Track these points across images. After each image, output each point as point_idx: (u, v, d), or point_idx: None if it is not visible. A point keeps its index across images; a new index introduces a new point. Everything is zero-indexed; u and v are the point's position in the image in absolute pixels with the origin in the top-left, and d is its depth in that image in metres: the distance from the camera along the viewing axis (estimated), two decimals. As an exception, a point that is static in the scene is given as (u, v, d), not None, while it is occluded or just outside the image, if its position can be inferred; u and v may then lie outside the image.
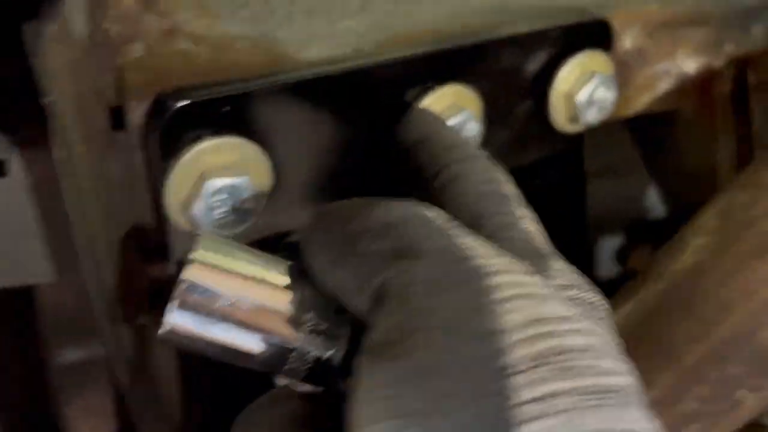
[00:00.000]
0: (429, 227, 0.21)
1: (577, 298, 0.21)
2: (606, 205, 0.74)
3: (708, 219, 0.36)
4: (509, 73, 0.41)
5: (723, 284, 0.33)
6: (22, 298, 0.63)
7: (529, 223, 0.25)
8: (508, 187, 0.27)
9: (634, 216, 0.63)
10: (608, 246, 0.65)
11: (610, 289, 0.61)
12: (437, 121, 0.34)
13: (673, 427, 0.34)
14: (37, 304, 0.64)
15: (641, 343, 0.34)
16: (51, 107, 0.25)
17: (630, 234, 0.58)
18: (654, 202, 0.60)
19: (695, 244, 0.35)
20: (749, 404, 0.34)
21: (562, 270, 0.22)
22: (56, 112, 0.25)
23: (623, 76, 0.50)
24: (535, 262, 0.22)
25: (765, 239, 0.32)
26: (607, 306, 0.22)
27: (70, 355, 0.66)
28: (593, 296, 0.22)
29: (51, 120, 0.25)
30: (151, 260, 0.37)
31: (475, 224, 0.24)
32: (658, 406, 0.34)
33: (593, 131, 0.47)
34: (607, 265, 0.65)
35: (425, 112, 0.35)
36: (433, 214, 0.22)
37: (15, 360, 0.66)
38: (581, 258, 0.49)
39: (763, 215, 0.33)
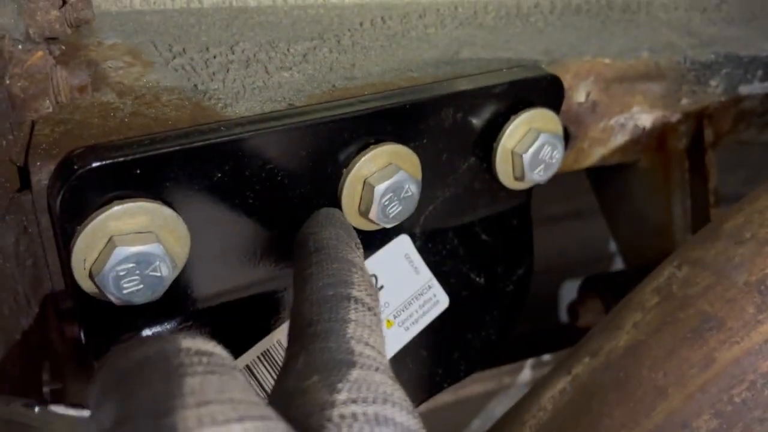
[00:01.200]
0: (161, 374, 0.21)
1: (352, 415, 0.21)
2: (568, 249, 0.73)
3: (646, 295, 0.34)
4: (451, 129, 0.40)
5: (658, 367, 0.31)
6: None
7: (352, 329, 0.26)
8: (354, 289, 0.28)
9: (591, 264, 0.62)
10: (562, 296, 0.64)
11: (570, 340, 0.59)
12: (328, 219, 0.35)
13: None
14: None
15: (577, 426, 0.33)
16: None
17: (583, 287, 0.57)
18: (611, 247, 0.59)
19: (632, 321, 0.33)
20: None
21: (356, 381, 0.23)
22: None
23: (577, 129, 0.49)
24: (330, 374, 0.23)
25: (701, 321, 0.31)
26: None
27: None
28: (378, 409, 0.22)
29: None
30: (69, 322, 0.35)
31: (305, 329, 0.26)
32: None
33: (559, 177, 0.45)
34: (562, 315, 0.64)
35: (324, 212, 0.36)
36: (187, 345, 0.22)
37: None
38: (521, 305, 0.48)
39: (699, 295, 0.31)
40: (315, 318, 0.27)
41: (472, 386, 0.60)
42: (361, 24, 0.47)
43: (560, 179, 0.47)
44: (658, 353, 0.32)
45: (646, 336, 0.32)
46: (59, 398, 0.38)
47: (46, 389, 0.33)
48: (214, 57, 0.41)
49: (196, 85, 0.38)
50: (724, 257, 0.32)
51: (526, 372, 0.64)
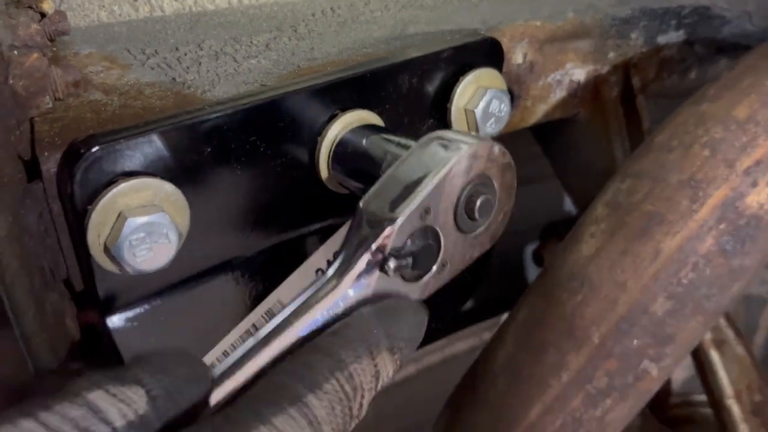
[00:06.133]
0: None
1: None
2: (526, 212, 0.78)
3: (598, 209, 0.39)
4: (408, 94, 0.44)
5: (615, 266, 0.36)
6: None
7: None
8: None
9: (549, 220, 0.67)
10: (529, 251, 0.68)
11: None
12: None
13: (587, 404, 0.37)
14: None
15: (551, 330, 0.37)
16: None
17: (543, 234, 0.62)
18: (566, 205, 0.64)
19: (589, 233, 0.38)
20: (654, 374, 0.36)
21: None
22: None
23: (519, 88, 0.54)
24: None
25: (646, 220, 0.36)
26: None
27: None
28: None
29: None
30: (80, 306, 0.38)
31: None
32: (573, 385, 0.37)
33: (510, 145, 0.50)
34: (531, 268, 0.68)
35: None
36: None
37: None
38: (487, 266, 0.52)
39: (642, 200, 0.36)
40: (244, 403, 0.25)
41: (456, 344, 0.64)
42: (313, 15, 0.51)
43: (511, 148, 0.52)
44: (615, 254, 0.36)
45: (602, 243, 0.37)
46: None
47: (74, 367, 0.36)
48: (185, 54, 0.44)
49: (174, 78, 0.41)
50: (659, 164, 0.37)
51: (504, 326, 0.68)
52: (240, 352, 0.30)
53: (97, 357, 0.45)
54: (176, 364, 0.25)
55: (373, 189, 0.35)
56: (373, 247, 0.32)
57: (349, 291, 0.32)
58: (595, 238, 0.38)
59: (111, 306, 0.37)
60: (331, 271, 0.33)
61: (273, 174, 0.40)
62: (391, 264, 0.33)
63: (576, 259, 0.38)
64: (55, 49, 0.38)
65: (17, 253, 0.29)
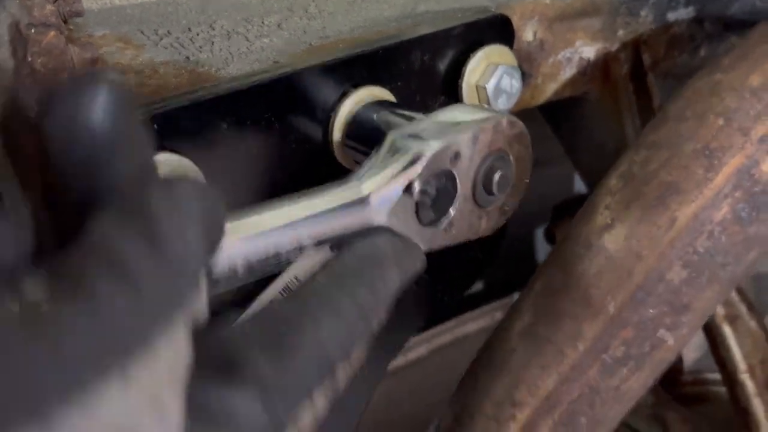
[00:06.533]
0: None
1: None
2: (536, 193, 0.78)
3: (612, 181, 0.39)
4: (420, 70, 0.44)
5: (631, 236, 0.36)
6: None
7: None
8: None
9: (560, 199, 0.67)
10: (541, 231, 0.69)
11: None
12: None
13: (603, 374, 0.37)
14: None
15: (568, 300, 0.37)
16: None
17: (555, 213, 0.62)
18: (577, 186, 0.64)
19: (603, 204, 0.38)
20: (670, 343, 0.37)
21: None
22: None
23: (529, 66, 0.54)
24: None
25: (662, 190, 0.36)
26: None
27: None
28: None
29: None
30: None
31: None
32: (589, 355, 0.37)
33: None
34: (543, 248, 0.68)
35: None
36: None
37: None
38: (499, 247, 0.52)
39: (658, 169, 0.36)
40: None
41: (468, 325, 0.64)
42: (323, -5, 0.51)
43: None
44: (630, 224, 0.36)
45: (617, 213, 0.37)
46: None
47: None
48: (198, 34, 0.45)
49: (187, 57, 0.42)
50: (673, 134, 0.37)
51: (516, 306, 0.68)
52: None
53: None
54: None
55: (405, 126, 0.35)
56: (401, 164, 0.32)
57: (369, 199, 0.32)
58: (609, 209, 0.38)
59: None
60: (360, 189, 0.32)
61: (287, 151, 0.40)
62: (417, 186, 0.32)
63: (591, 229, 0.38)
64: (69, 29, 0.39)
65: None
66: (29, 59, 0.33)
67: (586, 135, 0.62)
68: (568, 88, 0.57)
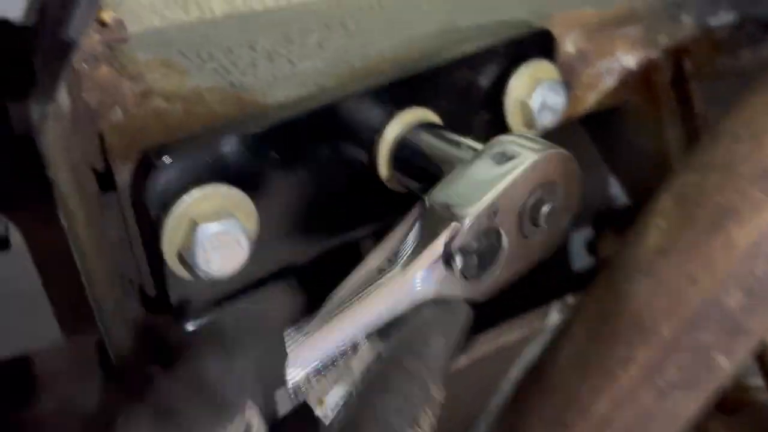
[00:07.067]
0: None
1: None
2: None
3: (664, 202, 0.38)
4: (464, 89, 0.44)
5: (686, 259, 0.36)
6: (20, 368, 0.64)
7: None
8: None
9: (600, 207, 0.66)
10: (579, 238, 0.68)
11: (587, 278, 0.64)
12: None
13: (657, 398, 0.37)
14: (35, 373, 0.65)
15: (620, 324, 0.37)
16: (53, 179, 0.26)
17: (596, 225, 0.61)
18: (616, 192, 0.63)
19: (655, 226, 0.38)
20: (725, 368, 0.36)
21: None
22: (57, 183, 0.27)
23: (570, 78, 0.54)
24: None
25: (717, 213, 0.35)
26: None
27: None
28: None
29: (54, 190, 0.27)
30: (152, 312, 0.39)
31: None
32: (643, 379, 0.37)
33: (552, 133, 0.50)
34: (580, 256, 0.68)
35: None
36: None
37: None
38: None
39: (712, 192, 0.36)
40: None
41: (507, 335, 0.64)
42: (359, 10, 0.51)
43: (559, 137, 0.52)
44: (684, 247, 0.36)
45: (670, 236, 0.37)
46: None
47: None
48: (240, 57, 0.44)
49: (232, 83, 0.42)
50: (728, 155, 0.36)
51: (554, 315, 0.68)
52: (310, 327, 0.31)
53: (163, 361, 0.46)
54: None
55: (440, 185, 0.35)
56: (441, 242, 0.32)
57: (413, 283, 0.32)
58: (661, 231, 0.37)
59: (182, 312, 0.38)
60: (395, 265, 0.33)
61: (334, 176, 0.40)
62: (458, 261, 0.33)
63: (643, 252, 0.38)
64: (116, 58, 0.39)
65: (105, 266, 0.30)
66: (83, 95, 0.33)
67: (624, 144, 0.61)
68: (609, 99, 0.57)
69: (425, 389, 0.28)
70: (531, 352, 0.67)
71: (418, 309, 0.32)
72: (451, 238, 0.32)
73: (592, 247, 0.62)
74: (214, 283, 0.37)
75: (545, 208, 0.35)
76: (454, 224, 0.32)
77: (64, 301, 0.33)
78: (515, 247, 0.35)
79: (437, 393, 0.28)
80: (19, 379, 0.50)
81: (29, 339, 0.34)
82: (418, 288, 0.32)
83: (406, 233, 0.33)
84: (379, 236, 0.46)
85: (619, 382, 0.36)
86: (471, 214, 0.32)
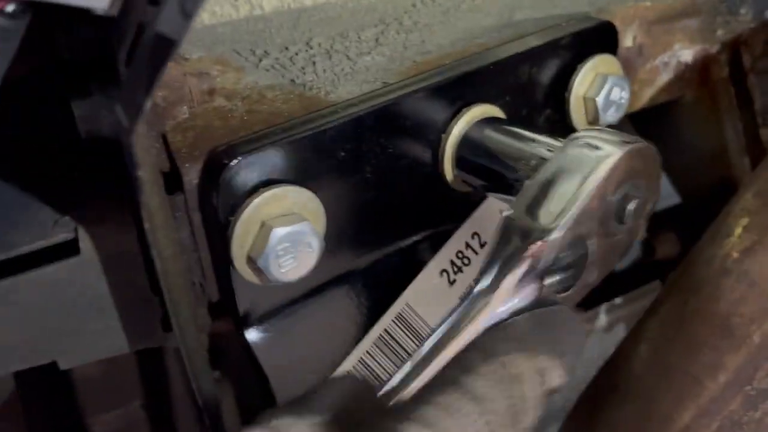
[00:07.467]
0: None
1: None
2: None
3: (749, 200, 0.37)
4: (527, 84, 0.43)
5: (776, 259, 0.34)
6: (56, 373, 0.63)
7: None
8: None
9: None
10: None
11: (642, 276, 0.62)
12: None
13: (746, 406, 0.35)
14: (70, 372, 0.65)
15: (705, 328, 0.35)
16: (139, 180, 0.25)
17: (651, 224, 0.60)
18: (669, 191, 0.62)
19: (740, 225, 0.36)
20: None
21: None
22: (142, 183, 0.25)
23: (628, 73, 0.52)
24: None
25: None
26: None
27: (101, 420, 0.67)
28: None
29: (138, 192, 0.25)
30: (214, 318, 0.38)
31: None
32: (731, 387, 0.35)
33: None
34: (632, 254, 0.66)
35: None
36: None
37: (50, 426, 0.66)
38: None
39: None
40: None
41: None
42: (413, 5, 0.49)
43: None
44: (775, 247, 0.34)
45: (758, 235, 0.35)
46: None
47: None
48: (296, 54, 0.43)
49: (292, 80, 0.40)
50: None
51: (602, 317, 0.66)
52: (398, 377, 0.30)
53: (223, 367, 0.44)
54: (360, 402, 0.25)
55: (520, 197, 0.33)
56: (527, 261, 0.31)
57: (501, 308, 0.31)
58: (748, 231, 0.36)
59: (248, 318, 0.36)
60: (481, 286, 0.32)
61: (399, 175, 0.39)
62: (546, 281, 0.31)
63: (729, 253, 0.36)
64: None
65: (179, 269, 0.28)
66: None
67: (678, 140, 0.59)
68: (664, 93, 0.55)
69: (489, 355, 0.27)
70: (582, 354, 0.66)
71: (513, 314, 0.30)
72: (537, 258, 0.31)
73: (648, 249, 0.60)
74: (279, 288, 0.36)
75: (631, 206, 0.33)
76: (541, 243, 0.31)
77: (131, 309, 0.32)
78: (602, 248, 0.33)
79: (519, 365, 0.27)
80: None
81: (96, 348, 0.32)
82: (504, 312, 0.31)
83: (490, 250, 0.32)
84: (435, 240, 0.44)
85: (705, 390, 0.35)
86: (557, 230, 0.31)
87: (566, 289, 0.33)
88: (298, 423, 0.24)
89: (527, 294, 0.31)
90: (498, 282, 0.31)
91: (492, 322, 0.30)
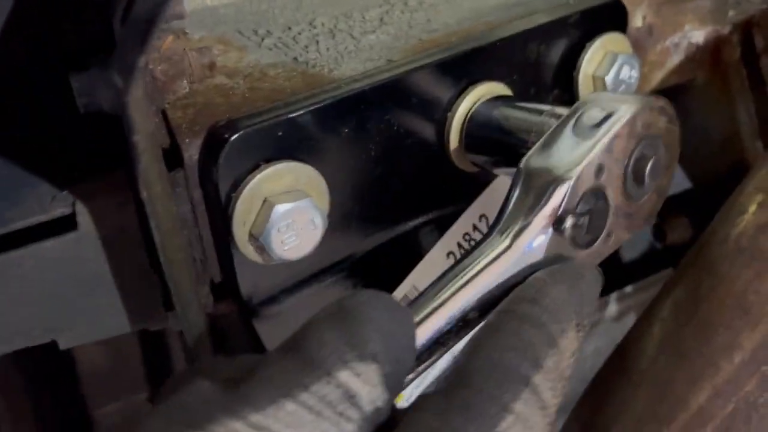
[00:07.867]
0: None
1: None
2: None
3: (763, 178, 0.36)
4: (535, 62, 0.42)
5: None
6: (62, 359, 0.63)
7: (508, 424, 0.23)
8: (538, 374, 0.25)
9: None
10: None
11: (653, 264, 0.60)
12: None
13: (762, 387, 0.34)
14: (76, 364, 0.64)
15: (720, 308, 0.34)
16: (135, 147, 0.24)
17: (663, 208, 0.59)
18: (680, 175, 0.61)
19: (755, 203, 0.35)
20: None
21: None
22: (139, 151, 0.25)
23: (637, 53, 0.51)
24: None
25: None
26: None
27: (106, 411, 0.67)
28: None
29: (134, 160, 0.25)
30: (217, 298, 0.37)
31: (459, 389, 0.23)
32: (747, 367, 0.34)
33: None
34: (643, 241, 0.65)
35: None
36: None
37: (56, 417, 0.66)
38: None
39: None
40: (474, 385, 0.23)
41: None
42: (419, -14, 0.49)
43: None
44: (792, 223, 0.33)
45: (774, 211, 0.34)
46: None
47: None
48: (299, 33, 0.42)
49: (295, 58, 0.39)
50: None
51: (612, 306, 0.65)
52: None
53: (224, 348, 0.44)
54: (397, 326, 0.23)
55: (533, 152, 0.32)
56: (548, 205, 0.30)
57: (524, 251, 0.30)
58: (763, 208, 0.35)
59: (251, 299, 0.35)
60: (499, 232, 0.30)
61: (404, 154, 0.38)
62: (568, 222, 0.30)
63: (743, 231, 0.35)
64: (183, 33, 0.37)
65: (179, 243, 0.28)
66: (150, 67, 0.31)
67: (689, 122, 0.58)
68: (675, 76, 0.54)
69: (546, 332, 0.24)
70: (589, 344, 0.65)
71: (530, 269, 0.29)
72: (558, 202, 0.30)
73: (659, 232, 0.59)
74: (282, 268, 0.35)
75: (649, 164, 0.32)
76: (562, 186, 0.30)
77: (131, 286, 0.31)
78: (621, 209, 0.32)
79: (568, 340, 0.25)
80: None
81: (96, 327, 0.32)
82: (529, 256, 0.29)
83: (505, 199, 0.31)
84: (439, 225, 0.43)
85: (721, 371, 0.34)
86: (576, 172, 0.30)
87: (588, 245, 0.31)
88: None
89: (547, 241, 0.30)
90: (519, 227, 0.30)
91: (512, 271, 0.29)
